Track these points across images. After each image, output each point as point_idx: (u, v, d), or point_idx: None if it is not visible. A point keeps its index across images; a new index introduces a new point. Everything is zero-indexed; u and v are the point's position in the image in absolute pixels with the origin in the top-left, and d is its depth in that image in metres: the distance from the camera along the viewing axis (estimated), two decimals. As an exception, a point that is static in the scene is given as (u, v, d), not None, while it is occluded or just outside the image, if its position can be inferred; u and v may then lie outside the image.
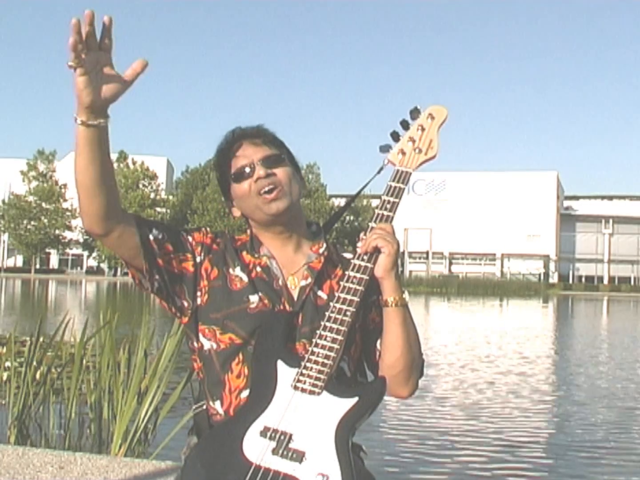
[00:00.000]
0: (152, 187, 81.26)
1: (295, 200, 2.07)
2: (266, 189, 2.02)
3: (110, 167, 1.84)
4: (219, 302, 2.01)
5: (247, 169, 2.04)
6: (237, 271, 2.05)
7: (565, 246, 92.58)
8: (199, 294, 2.03)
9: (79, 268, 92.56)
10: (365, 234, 1.95)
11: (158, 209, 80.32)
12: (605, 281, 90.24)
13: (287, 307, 2.02)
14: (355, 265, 1.92)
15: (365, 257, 1.93)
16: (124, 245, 1.94)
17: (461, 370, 12.13)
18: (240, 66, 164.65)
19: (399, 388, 2.00)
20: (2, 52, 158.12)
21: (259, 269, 2.07)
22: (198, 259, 2.04)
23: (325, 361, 1.85)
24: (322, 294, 2.06)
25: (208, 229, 2.13)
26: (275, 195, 2.02)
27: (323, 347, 1.86)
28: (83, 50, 1.67)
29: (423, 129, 2.00)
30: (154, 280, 1.99)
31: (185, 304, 2.03)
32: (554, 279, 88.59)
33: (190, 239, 2.05)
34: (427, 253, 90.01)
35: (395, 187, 1.97)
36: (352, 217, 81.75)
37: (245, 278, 2.04)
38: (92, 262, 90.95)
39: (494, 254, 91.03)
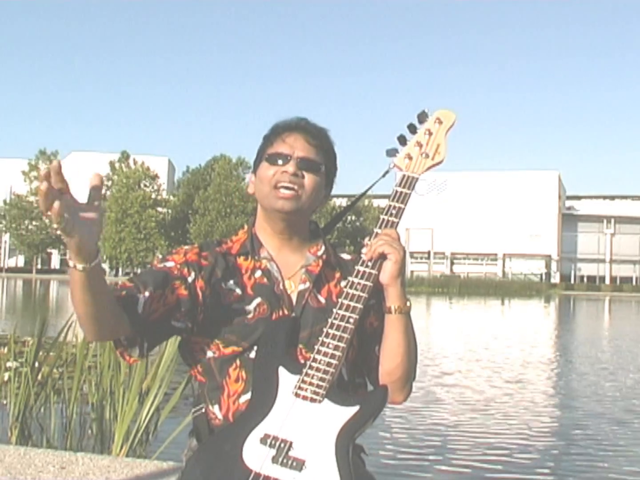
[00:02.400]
0: (153, 187, 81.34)
1: (304, 209, 2.04)
2: (286, 184, 1.99)
3: (108, 295, 1.79)
4: (216, 318, 1.99)
5: (283, 158, 2.01)
6: (230, 284, 2.02)
7: (567, 246, 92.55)
8: (197, 311, 1.99)
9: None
10: (369, 240, 1.92)
11: (159, 209, 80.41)
12: (607, 281, 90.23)
13: (286, 311, 2.00)
14: (359, 271, 1.90)
15: (370, 264, 1.90)
16: (117, 334, 1.90)
17: (462, 374, 12.07)
18: (242, 66, 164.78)
19: (395, 394, 1.99)
20: (4, 52, 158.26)
21: (259, 273, 2.04)
22: (190, 279, 1.99)
23: (327, 368, 1.83)
24: (321, 298, 2.04)
25: (187, 247, 2.08)
26: (289, 196, 1.99)
27: (325, 354, 1.84)
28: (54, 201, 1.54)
29: (430, 134, 1.97)
30: (143, 349, 1.95)
31: (190, 324, 2.00)
32: (555, 279, 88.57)
33: (171, 264, 2.00)
34: (429, 253, 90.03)
35: (401, 192, 1.94)
36: (353, 217, 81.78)
37: (239, 290, 2.01)
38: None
39: (496, 254, 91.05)
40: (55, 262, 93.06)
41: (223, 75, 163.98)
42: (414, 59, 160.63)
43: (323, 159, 2.06)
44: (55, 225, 1.57)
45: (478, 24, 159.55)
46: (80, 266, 1.67)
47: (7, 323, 16.90)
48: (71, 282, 1.73)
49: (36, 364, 6.49)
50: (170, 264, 2.01)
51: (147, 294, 1.91)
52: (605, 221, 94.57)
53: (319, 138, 2.07)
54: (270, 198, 2.01)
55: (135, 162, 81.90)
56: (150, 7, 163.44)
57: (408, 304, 1.95)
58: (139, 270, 74.26)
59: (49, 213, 1.55)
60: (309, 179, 2.02)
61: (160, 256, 2.07)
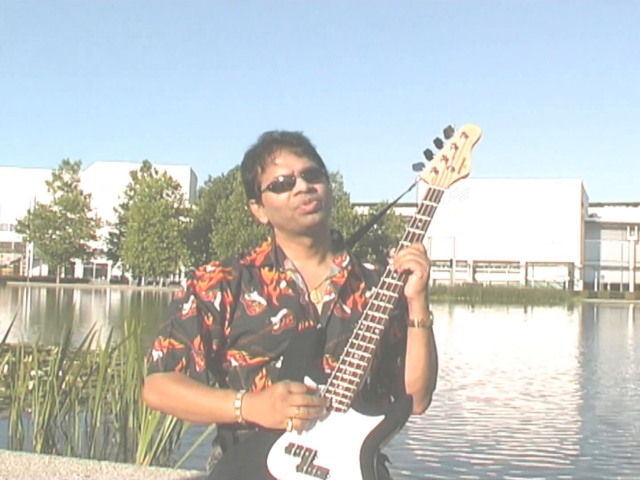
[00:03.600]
0: (175, 197, 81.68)
1: (328, 216, 2.06)
2: (306, 204, 2.00)
3: None
4: (242, 330, 2.00)
5: (288, 180, 2.00)
6: (254, 296, 2.02)
7: (590, 253, 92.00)
8: (224, 326, 2.02)
9: (103, 277, 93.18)
10: (395, 251, 1.93)
11: (181, 218, 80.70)
12: (631, 289, 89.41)
13: (312, 322, 2.00)
14: (384, 282, 1.91)
15: (396, 275, 1.92)
16: None
17: (487, 385, 11.85)
18: (264, 74, 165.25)
19: (415, 405, 1.99)
20: (27, 62, 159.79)
21: (283, 284, 2.04)
22: (216, 302, 2.01)
23: (353, 378, 1.84)
24: (346, 308, 2.04)
25: (210, 268, 2.08)
26: (313, 208, 2.00)
27: (351, 364, 1.86)
28: None
29: (456, 148, 1.99)
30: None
31: (215, 347, 2.03)
32: (578, 286, 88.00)
33: (192, 299, 2.02)
34: (451, 261, 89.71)
35: (427, 205, 1.96)
36: (375, 226, 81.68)
37: (263, 302, 2.01)
38: (117, 272, 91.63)
39: (518, 262, 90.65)
40: (78, 272, 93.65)
41: (244, 84, 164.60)
42: (438, 70, 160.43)
43: (317, 162, 2.07)
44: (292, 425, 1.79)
45: (500, 32, 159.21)
46: (244, 423, 1.86)
47: (32, 332, 17.00)
48: (211, 414, 1.92)
49: (60, 373, 6.54)
50: (191, 298, 2.02)
51: (195, 345, 1.99)
52: (628, 228, 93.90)
53: (301, 144, 2.06)
54: (297, 218, 2.01)
55: (157, 172, 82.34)
56: (172, 18, 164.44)
57: (431, 317, 1.97)
58: (161, 280, 73.78)
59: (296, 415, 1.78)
60: (320, 187, 2.03)
61: (184, 287, 2.07)
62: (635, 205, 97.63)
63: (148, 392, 1.99)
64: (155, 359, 2.00)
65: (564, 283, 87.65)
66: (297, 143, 2.05)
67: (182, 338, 1.99)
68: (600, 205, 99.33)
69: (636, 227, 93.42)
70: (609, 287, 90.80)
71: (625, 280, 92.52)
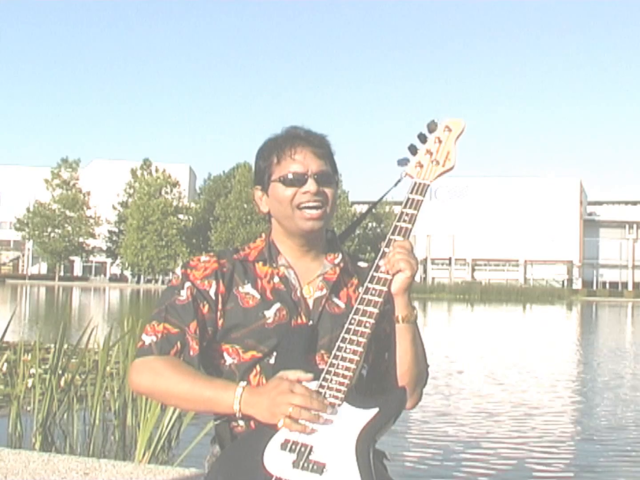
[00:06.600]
0: (174, 195, 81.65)
1: (328, 222, 2.08)
2: (310, 204, 2.01)
3: None
4: (235, 322, 2.01)
5: (300, 178, 2.01)
6: (247, 288, 2.04)
7: (589, 252, 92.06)
8: (217, 317, 2.03)
9: (102, 275, 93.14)
10: (386, 246, 1.95)
11: (180, 216, 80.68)
12: (630, 287, 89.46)
13: (304, 318, 2.02)
14: (374, 277, 1.93)
15: (383, 268, 1.95)
16: None
17: (483, 386, 11.68)
18: (262, 73, 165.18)
19: None
20: (26, 61, 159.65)
21: (276, 279, 2.06)
22: (212, 291, 2.02)
23: (345, 373, 1.86)
24: (340, 302, 2.07)
25: (204, 258, 2.09)
26: (317, 216, 2.01)
27: (343, 359, 1.87)
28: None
29: (440, 141, 2.00)
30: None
31: (209, 334, 2.04)
32: (577, 285, 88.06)
33: (188, 286, 2.03)
34: (450, 259, 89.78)
35: (413, 199, 1.98)
36: (374, 224, 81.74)
37: (257, 295, 2.03)
38: (116, 270, 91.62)
39: (517, 260, 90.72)
40: (77, 270, 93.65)
41: (243, 83, 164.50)
42: (439, 69, 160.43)
43: (332, 168, 2.09)
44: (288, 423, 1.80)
45: (496, 30, 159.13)
46: (239, 414, 1.87)
47: (31, 330, 16.99)
48: (207, 402, 1.91)
49: (59, 371, 6.54)
50: (187, 285, 2.04)
51: (191, 329, 1.99)
52: (627, 226, 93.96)
53: (323, 146, 2.08)
54: (296, 220, 2.03)
55: (157, 170, 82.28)
56: (172, 17, 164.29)
57: (415, 312, 2.00)
58: (160, 278, 73.70)
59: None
60: (329, 192, 2.04)
61: (178, 274, 2.08)
62: (634, 203, 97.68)
63: (138, 375, 1.98)
64: (147, 342, 1.99)
65: (563, 281, 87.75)
66: (319, 145, 2.07)
67: (178, 323, 2.00)
68: (599, 203, 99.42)
69: (635, 226, 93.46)
70: (607, 285, 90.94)
71: (624, 279, 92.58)
